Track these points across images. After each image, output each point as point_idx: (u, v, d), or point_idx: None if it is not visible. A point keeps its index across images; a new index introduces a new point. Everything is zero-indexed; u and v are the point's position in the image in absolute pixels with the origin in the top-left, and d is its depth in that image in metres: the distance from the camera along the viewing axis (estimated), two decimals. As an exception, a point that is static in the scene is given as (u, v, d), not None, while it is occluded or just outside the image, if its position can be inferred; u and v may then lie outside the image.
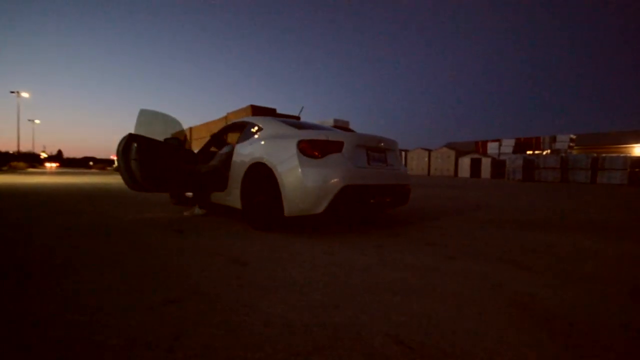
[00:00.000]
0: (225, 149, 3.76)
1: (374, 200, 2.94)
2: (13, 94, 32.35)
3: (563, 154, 21.96)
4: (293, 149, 2.77)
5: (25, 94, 32.90)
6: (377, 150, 3.13)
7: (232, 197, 3.41)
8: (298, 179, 2.66)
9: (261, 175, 2.99)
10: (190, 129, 15.30)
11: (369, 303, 1.39)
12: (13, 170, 23.61)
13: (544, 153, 26.46)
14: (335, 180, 2.64)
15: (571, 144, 26.96)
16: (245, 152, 3.29)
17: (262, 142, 3.17)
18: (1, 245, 2.23)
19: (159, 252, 2.13)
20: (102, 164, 50.99)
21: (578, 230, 3.33)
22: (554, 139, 27.64)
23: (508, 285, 1.65)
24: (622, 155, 20.38)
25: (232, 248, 2.28)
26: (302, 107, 4.16)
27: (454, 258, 2.14)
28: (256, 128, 3.48)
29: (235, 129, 3.88)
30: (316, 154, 2.73)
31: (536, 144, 29.09)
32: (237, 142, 3.59)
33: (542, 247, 2.53)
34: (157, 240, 2.46)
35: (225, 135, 4.08)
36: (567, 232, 3.21)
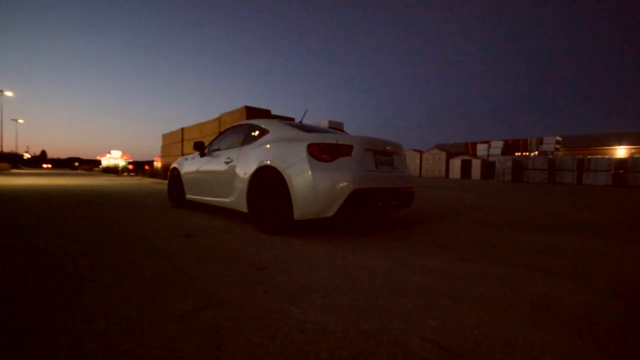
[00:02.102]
0: (230, 152, 3.73)
1: (382, 203, 2.97)
2: (-5, 93, 31.31)
3: (550, 156, 22.54)
4: (303, 152, 2.77)
5: (9, 93, 31.91)
6: (384, 154, 3.16)
7: (238, 200, 3.38)
8: (308, 182, 2.67)
9: (269, 179, 2.99)
10: (182, 129, 15.15)
11: (396, 307, 1.40)
12: (-4, 171, 22.84)
13: (531, 154, 27.12)
14: (346, 183, 2.65)
15: (557, 146, 27.74)
16: (252, 155, 3.28)
17: (270, 145, 3.16)
18: (6, 253, 2.17)
19: (173, 258, 2.10)
20: (89, 165, 49.89)
21: (577, 231, 3.43)
22: (540, 141, 28.39)
23: (527, 287, 1.69)
24: (606, 157, 21.06)
25: (246, 252, 2.27)
26: (306, 111, 4.16)
27: (467, 260, 2.18)
28: (261, 131, 3.47)
29: (239, 131, 3.86)
30: (326, 157, 2.74)
31: (524, 145, 29.81)
32: (242, 145, 3.58)
33: (548, 248, 2.60)
34: (168, 246, 2.42)
35: (227, 137, 4.05)
36: (567, 233, 3.30)
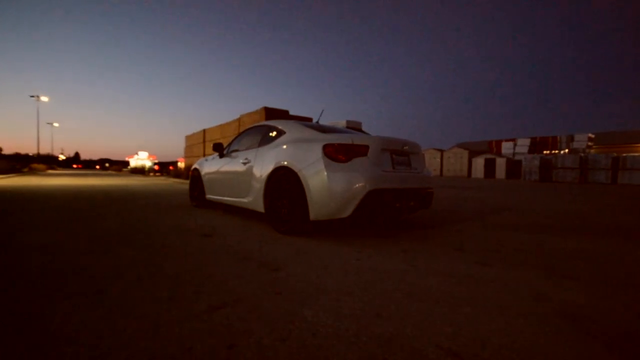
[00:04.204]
0: (247, 153, 3.79)
1: (399, 204, 2.92)
2: (32, 98, 33.39)
3: (582, 154, 21.38)
4: (319, 153, 2.77)
5: (44, 98, 33.92)
6: (401, 154, 3.10)
7: (255, 200, 3.43)
8: (324, 182, 2.66)
9: (285, 179, 3.01)
10: (204, 131, 15.55)
11: (411, 312, 1.37)
12: (34, 172, 24.37)
13: (561, 153, 25.84)
14: (362, 184, 2.63)
15: (589, 143, 26.27)
16: (269, 156, 3.31)
17: (286, 146, 3.18)
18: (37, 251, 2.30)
19: (190, 257, 2.15)
20: (118, 165, 52.33)
21: (609, 235, 3.23)
22: (571, 138, 27.00)
23: (551, 294, 1.60)
24: (644, 154, 19.70)
25: (261, 253, 2.29)
26: (322, 111, 4.16)
27: (488, 265, 2.10)
28: (278, 132, 3.50)
29: (257, 132, 3.91)
30: (342, 157, 2.73)
31: (553, 143, 28.45)
32: (259, 146, 3.62)
33: (576, 253, 2.46)
34: (186, 245, 2.49)
35: (245, 138, 4.12)
36: (598, 237, 3.11)
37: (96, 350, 1.04)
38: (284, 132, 3.41)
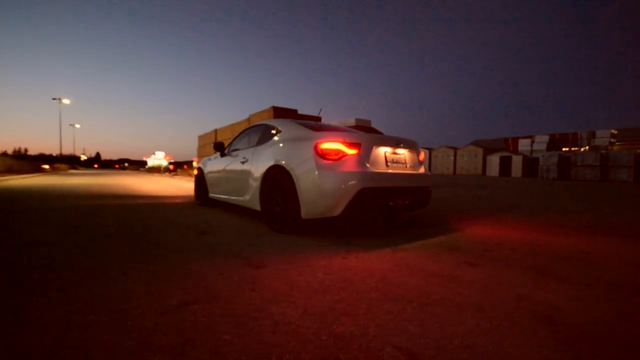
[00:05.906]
0: (246, 152, 3.83)
1: (393, 202, 2.88)
2: (55, 101, 34.73)
3: (603, 151, 20.51)
4: (310, 152, 2.77)
5: (66, 101, 35.22)
6: (395, 152, 3.06)
7: (252, 199, 3.46)
8: (315, 181, 2.66)
9: (279, 178, 3.02)
10: (216, 130, 15.79)
11: (381, 311, 1.36)
12: (56, 171, 25.39)
13: (582, 150, 24.87)
14: (353, 182, 2.61)
15: (612, 140, 25.16)
16: (264, 155, 3.34)
17: (281, 145, 3.20)
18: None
19: (181, 254, 2.20)
20: (135, 165, 54.00)
21: (617, 236, 3.09)
22: (592, 135, 25.95)
23: (534, 296, 1.55)
24: (671, 151, 18.72)
25: (250, 251, 2.31)
26: (321, 109, 4.16)
27: (477, 265, 2.05)
28: (275, 130, 3.52)
29: (256, 131, 3.94)
30: (333, 156, 2.71)
31: (573, 140, 27.46)
32: (257, 145, 3.65)
33: (575, 254, 2.36)
34: (181, 242, 2.54)
35: (245, 137, 4.17)
36: (604, 237, 2.98)
37: (61, 341, 1.08)
38: (280, 131, 3.43)
